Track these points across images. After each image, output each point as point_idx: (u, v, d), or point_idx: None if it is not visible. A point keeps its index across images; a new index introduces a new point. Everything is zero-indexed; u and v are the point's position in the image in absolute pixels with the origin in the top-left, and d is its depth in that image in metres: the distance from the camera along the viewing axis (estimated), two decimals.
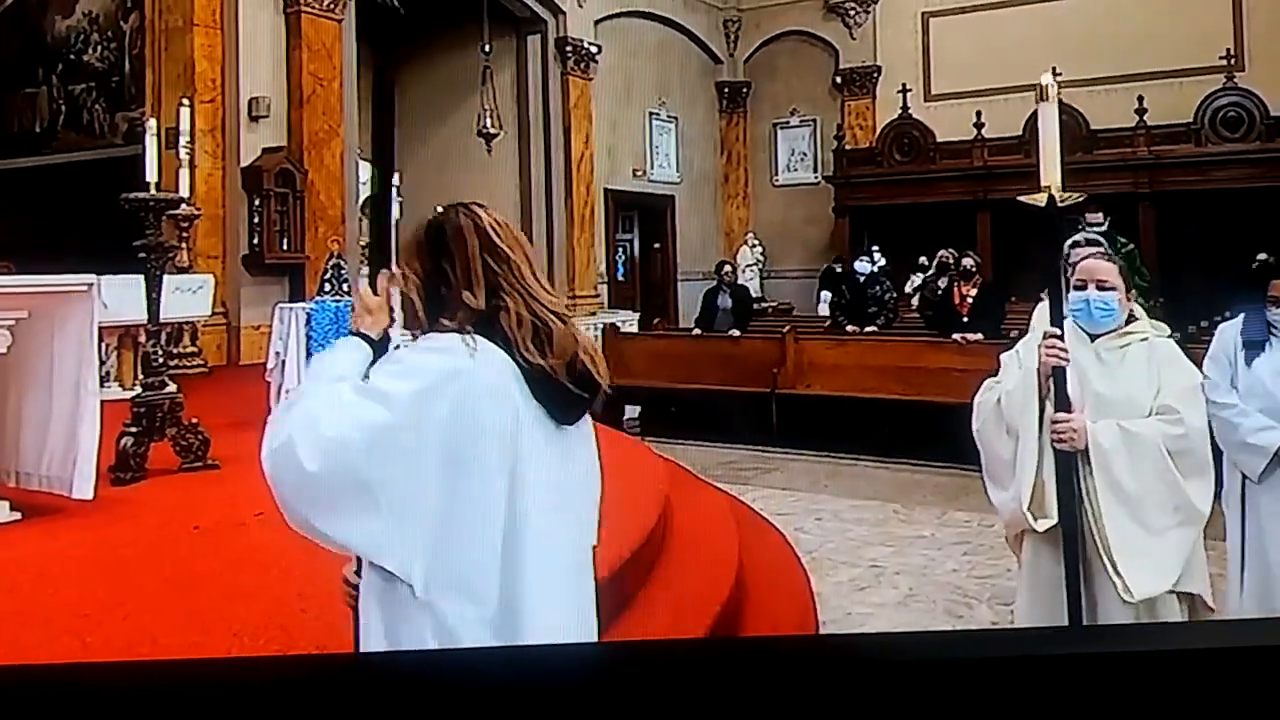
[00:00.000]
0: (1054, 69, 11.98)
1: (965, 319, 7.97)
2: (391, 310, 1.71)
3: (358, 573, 1.65)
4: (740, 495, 5.91)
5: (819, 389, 8.22)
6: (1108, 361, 2.64)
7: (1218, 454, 2.85)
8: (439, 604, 1.54)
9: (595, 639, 1.70)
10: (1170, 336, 2.71)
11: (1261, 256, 8.76)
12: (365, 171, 11.13)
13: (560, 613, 1.61)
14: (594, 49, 13.01)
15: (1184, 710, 1.36)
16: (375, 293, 1.72)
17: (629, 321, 11.82)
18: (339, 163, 9.77)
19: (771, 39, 15.04)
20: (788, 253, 14.78)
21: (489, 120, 11.62)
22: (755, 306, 11.23)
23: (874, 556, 5.15)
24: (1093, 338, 2.67)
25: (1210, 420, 2.79)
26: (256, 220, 9.15)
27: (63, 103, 10.69)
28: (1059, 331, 2.51)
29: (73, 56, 10.55)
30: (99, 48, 10.30)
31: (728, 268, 10.23)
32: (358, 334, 1.70)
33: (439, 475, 1.53)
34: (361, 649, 1.63)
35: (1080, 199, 2.52)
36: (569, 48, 12.77)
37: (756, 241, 14.78)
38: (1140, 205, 11.29)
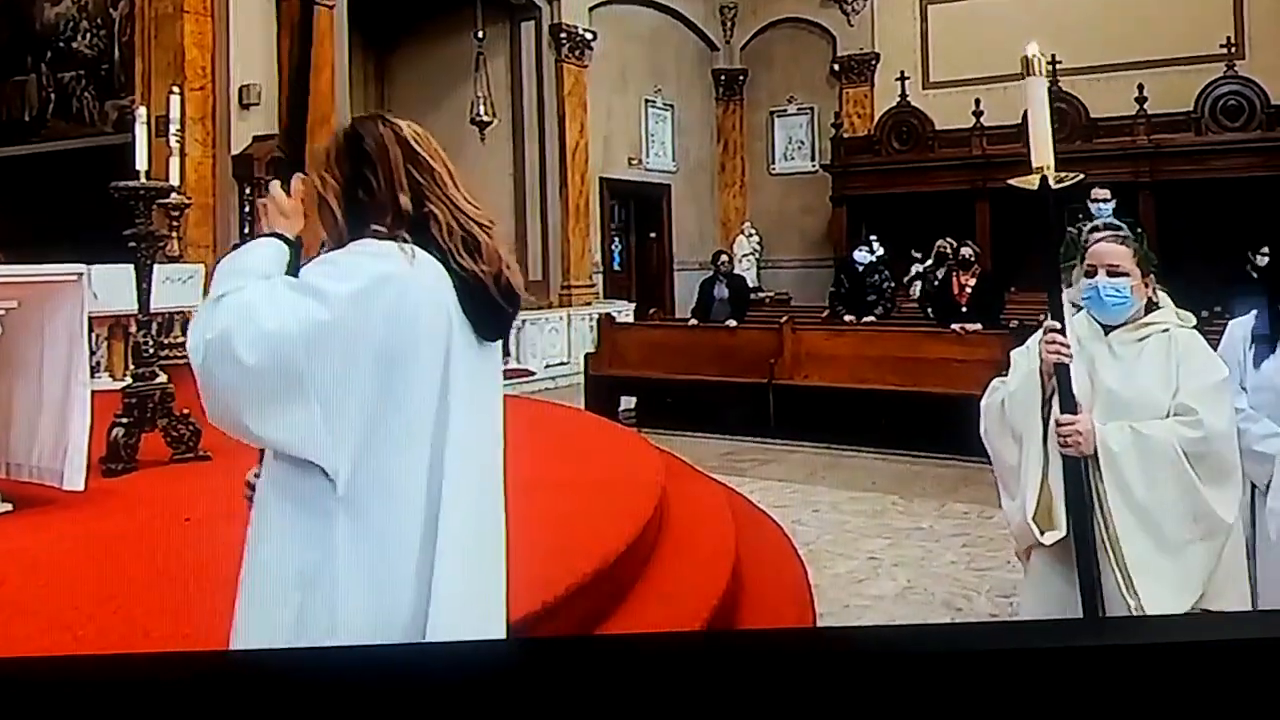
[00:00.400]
0: (1053, 55, 11.93)
1: (964, 309, 7.95)
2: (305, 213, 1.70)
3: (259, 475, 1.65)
4: (737, 487, 5.89)
5: (816, 380, 8.20)
6: (1122, 356, 2.43)
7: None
8: (362, 502, 1.53)
9: (499, 561, 1.69)
10: (1195, 327, 2.49)
11: (1265, 251, 8.74)
12: None
13: (472, 530, 1.61)
14: (589, 35, 12.96)
15: (1187, 704, 1.35)
16: (289, 195, 1.70)
17: (624, 312, 11.81)
18: None
19: (768, 26, 14.99)
20: (785, 242, 14.76)
21: (483, 108, 11.58)
22: (752, 296, 11.21)
23: (872, 548, 5.13)
24: (1107, 330, 2.46)
25: None
26: (248, 209, 9.10)
27: (52, 90, 10.63)
28: (1059, 325, 2.31)
29: (62, 44, 10.48)
30: (88, 35, 10.24)
31: (724, 257, 10.21)
32: (274, 234, 1.67)
33: (373, 376, 1.53)
34: (252, 546, 1.62)
35: (1077, 179, 2.33)
36: (563, 34, 12.71)
37: (753, 231, 14.76)
38: (1140, 194, 11.27)
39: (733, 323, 9.14)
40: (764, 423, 8.10)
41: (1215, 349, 3.20)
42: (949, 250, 9.30)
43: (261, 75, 9.34)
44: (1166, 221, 11.04)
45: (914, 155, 13.14)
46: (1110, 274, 2.43)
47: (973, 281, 8.08)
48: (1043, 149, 2.32)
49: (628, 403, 9.12)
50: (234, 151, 9.12)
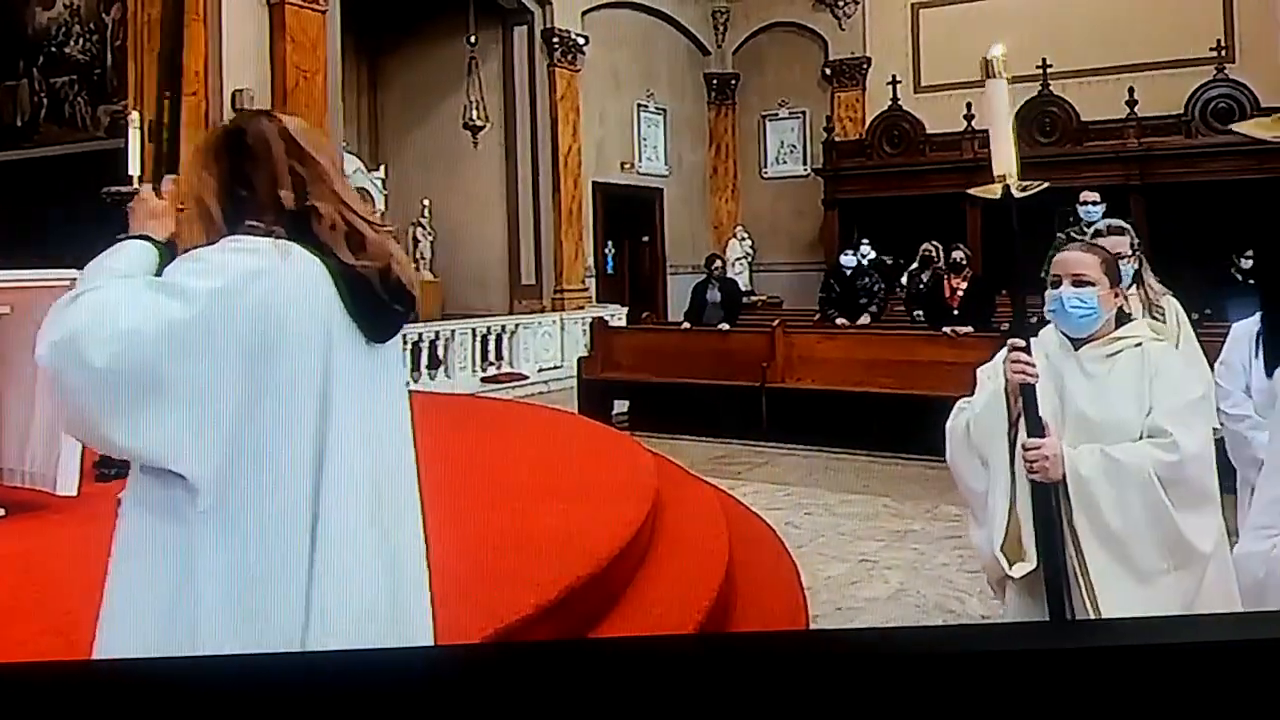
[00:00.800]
0: (1044, 59, 11.95)
1: (955, 312, 7.97)
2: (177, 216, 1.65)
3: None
4: (730, 490, 5.89)
5: (809, 383, 8.21)
6: (1093, 374, 2.27)
7: (1230, 472, 2.54)
8: (231, 514, 1.45)
9: (412, 575, 1.61)
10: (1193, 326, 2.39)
11: (1249, 254, 8.76)
12: (351, 164, 11.06)
13: (366, 545, 1.53)
14: (581, 40, 12.96)
15: (1172, 705, 1.35)
16: (160, 196, 1.66)
17: (617, 315, 11.81)
18: None
19: (760, 30, 15.01)
20: (777, 246, 14.77)
21: (475, 112, 11.58)
22: (744, 300, 11.22)
23: (864, 551, 5.14)
24: (1077, 345, 2.30)
25: (1222, 432, 2.49)
26: None
27: (44, 96, 10.59)
28: (1023, 342, 2.15)
29: (54, 49, 10.45)
30: (81, 40, 10.21)
31: (717, 261, 10.22)
32: (142, 236, 1.63)
33: (240, 378, 1.45)
34: (114, 562, 1.54)
35: (1040, 187, 2.16)
36: (556, 39, 12.71)
37: (745, 234, 14.77)
38: (1131, 197, 11.30)
39: (725, 326, 9.15)
40: (756, 426, 8.10)
41: (1211, 351, 3.14)
42: (934, 253, 9.33)
43: (254, 80, 9.33)
44: (1157, 225, 11.07)
45: (905, 159, 13.16)
46: (1075, 284, 2.28)
47: (964, 285, 8.10)
48: (1004, 155, 2.17)
49: (621, 406, 9.11)
50: None
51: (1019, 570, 2.22)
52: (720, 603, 3.53)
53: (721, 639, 2.97)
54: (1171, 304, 3.36)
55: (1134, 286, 3.19)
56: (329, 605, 1.49)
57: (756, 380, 8.31)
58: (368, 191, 10.67)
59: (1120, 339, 2.30)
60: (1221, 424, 2.61)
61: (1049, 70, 11.96)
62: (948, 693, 1.36)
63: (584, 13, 13.09)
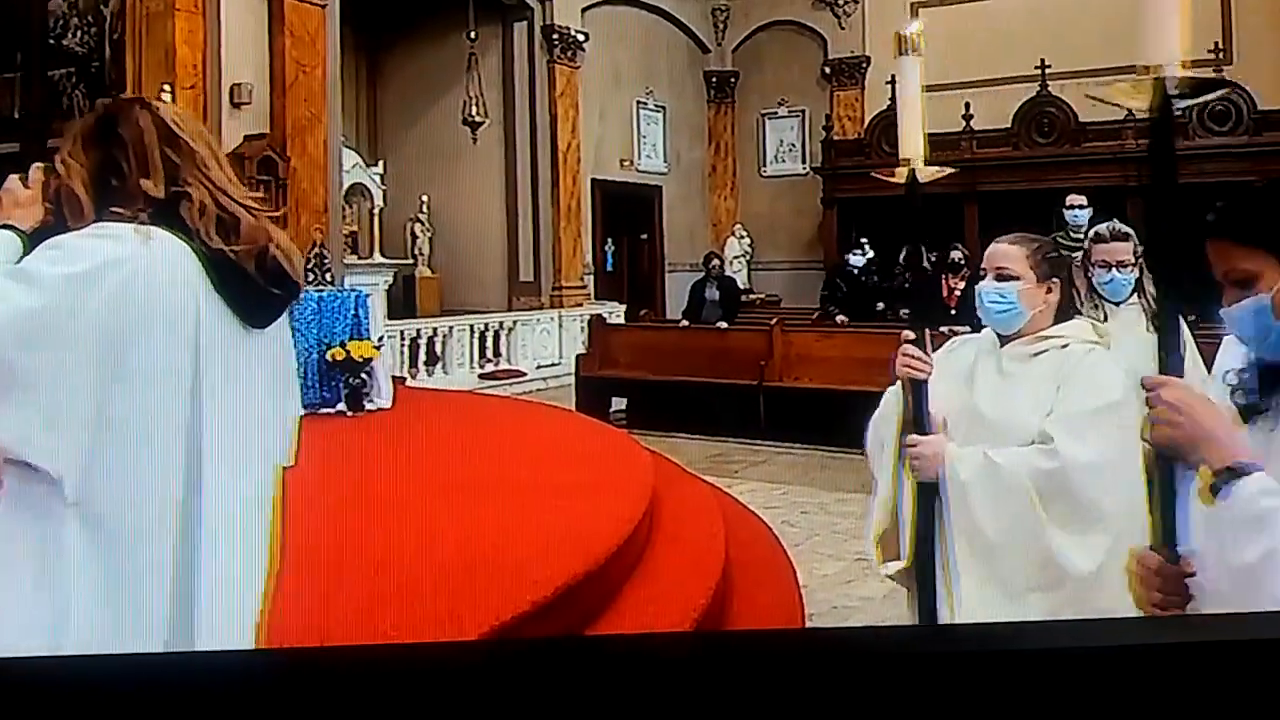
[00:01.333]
0: (1042, 60, 11.94)
1: (953, 312, 7.97)
2: (47, 205, 1.60)
3: None
4: (727, 488, 5.89)
5: (807, 381, 8.21)
6: (1009, 373, 2.14)
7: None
8: (97, 508, 1.42)
9: (260, 585, 1.56)
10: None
11: None
12: (349, 159, 11.05)
13: (235, 542, 1.49)
14: (581, 37, 12.95)
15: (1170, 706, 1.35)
16: (27, 185, 1.62)
17: (615, 313, 11.80)
18: (322, 150, 9.69)
19: (760, 28, 15.00)
20: (775, 244, 14.76)
21: (474, 108, 11.55)
22: (743, 298, 11.22)
23: (860, 550, 5.13)
24: (1004, 341, 2.18)
25: None
26: None
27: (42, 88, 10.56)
28: (912, 336, 2.10)
29: (52, 41, 10.42)
30: (79, 32, 10.17)
31: (715, 259, 10.23)
32: (6, 226, 1.58)
33: (98, 367, 1.42)
34: None
35: (945, 172, 2.06)
36: (555, 35, 12.70)
37: (744, 233, 14.77)
38: (1128, 199, 11.31)
39: (723, 324, 9.15)
40: (754, 424, 8.10)
41: (1205, 353, 3.05)
42: (963, 258, 9.34)
43: (252, 74, 9.31)
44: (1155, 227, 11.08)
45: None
46: (997, 277, 2.16)
47: (962, 285, 8.10)
48: (911, 138, 2.03)
49: (619, 404, 9.11)
50: (225, 150, 9.06)
51: (889, 568, 2.20)
52: (716, 601, 3.53)
53: (718, 637, 2.97)
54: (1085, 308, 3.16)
55: (1134, 295, 3.02)
56: (206, 601, 1.45)
57: (754, 379, 8.31)
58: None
59: (1047, 338, 2.16)
60: None
61: (1047, 70, 11.96)
62: (943, 692, 1.36)
63: (584, 10, 13.07)
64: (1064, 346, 2.13)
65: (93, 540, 1.43)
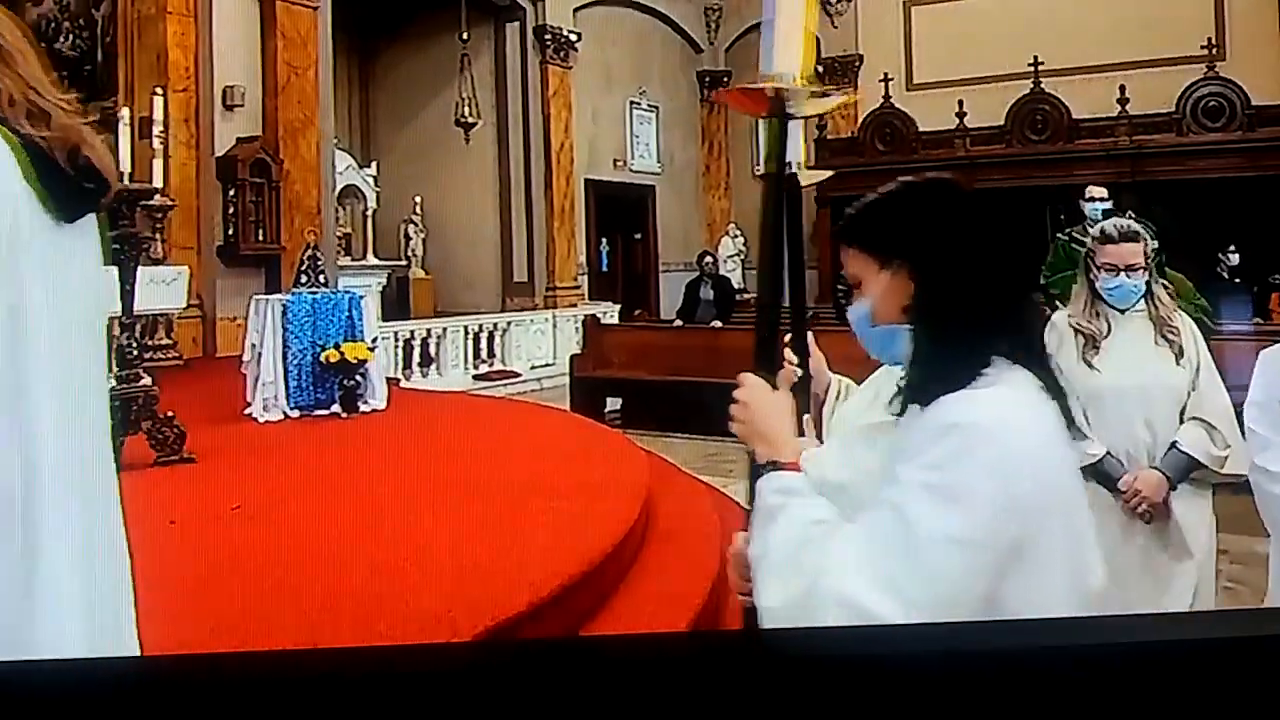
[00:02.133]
0: (1035, 57, 11.94)
1: None
2: None
3: None
4: (722, 488, 5.88)
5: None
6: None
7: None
8: None
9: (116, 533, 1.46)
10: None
11: (1233, 250, 8.76)
12: (342, 161, 11.04)
13: (78, 493, 1.40)
14: (573, 37, 12.95)
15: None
16: None
17: (610, 313, 11.81)
18: (315, 152, 9.68)
19: (753, 27, 14.96)
20: None
21: (467, 109, 11.55)
22: (737, 298, 11.23)
23: None
24: None
25: (1256, 492, 2.10)
26: (231, 211, 9.04)
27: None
28: (789, 349, 1.91)
29: (44, 44, 10.40)
30: (71, 36, 10.15)
31: (709, 259, 10.23)
32: None
33: None
34: None
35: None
36: (548, 36, 12.69)
37: (738, 232, 14.77)
38: (1122, 195, 11.33)
39: (718, 324, 9.16)
40: None
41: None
42: None
43: (244, 77, 9.30)
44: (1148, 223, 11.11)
45: (898, 157, 13.16)
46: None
47: None
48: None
49: (613, 404, 9.11)
50: (217, 153, 9.06)
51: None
52: (712, 600, 3.53)
53: (714, 636, 2.97)
54: (1186, 323, 2.81)
55: (1141, 301, 2.76)
56: (59, 594, 1.35)
57: None
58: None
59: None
60: (1254, 480, 2.14)
61: (1040, 68, 11.99)
62: (939, 692, 1.36)
63: (576, 10, 13.07)
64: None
65: None
